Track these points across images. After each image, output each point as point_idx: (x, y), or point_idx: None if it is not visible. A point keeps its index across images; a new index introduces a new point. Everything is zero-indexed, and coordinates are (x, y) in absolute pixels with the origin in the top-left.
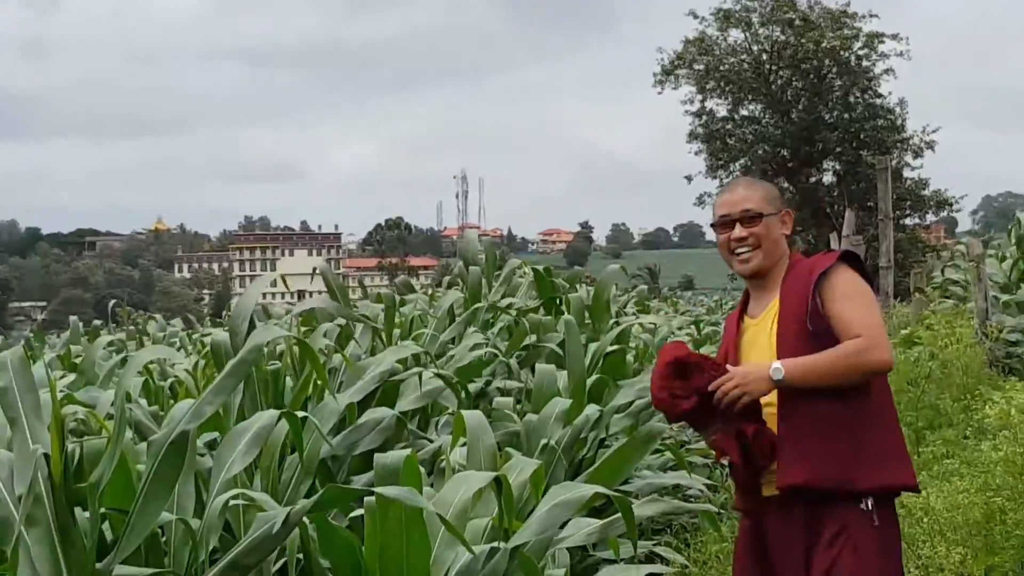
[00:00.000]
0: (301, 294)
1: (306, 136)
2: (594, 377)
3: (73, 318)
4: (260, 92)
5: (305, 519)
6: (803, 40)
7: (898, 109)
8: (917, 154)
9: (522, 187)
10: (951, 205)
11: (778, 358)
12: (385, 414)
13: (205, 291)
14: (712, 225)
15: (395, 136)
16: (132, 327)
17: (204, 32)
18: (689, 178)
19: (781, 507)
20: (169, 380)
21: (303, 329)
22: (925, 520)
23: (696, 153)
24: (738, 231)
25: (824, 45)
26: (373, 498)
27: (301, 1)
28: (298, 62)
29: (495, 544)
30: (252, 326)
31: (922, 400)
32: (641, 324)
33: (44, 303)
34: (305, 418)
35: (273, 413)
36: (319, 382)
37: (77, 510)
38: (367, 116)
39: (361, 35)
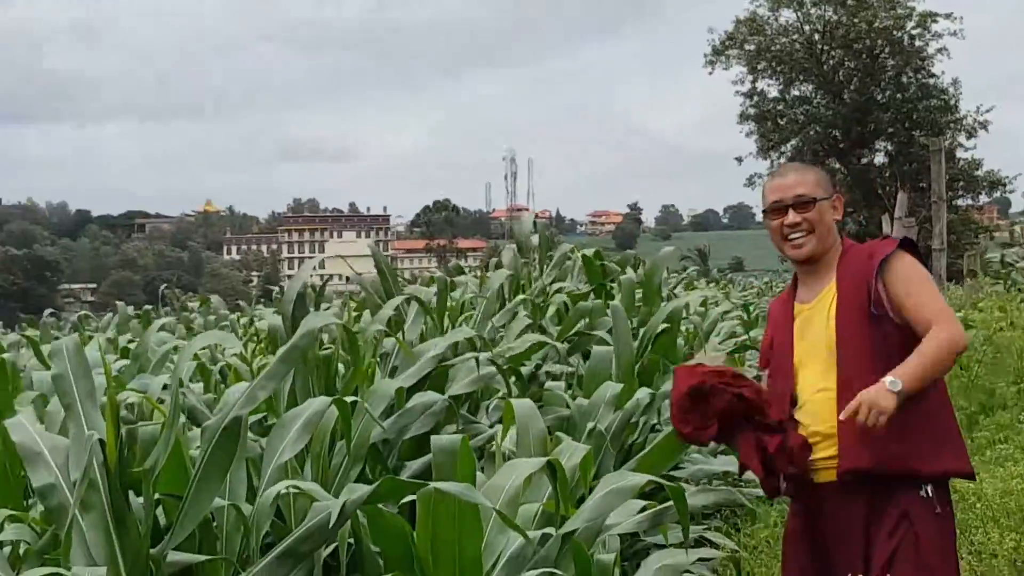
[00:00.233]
0: (349, 277)
1: (356, 118)
2: (645, 360)
3: (122, 304)
4: (311, 74)
5: None
6: (855, 19)
7: (951, 89)
8: (971, 134)
9: (571, 168)
10: (1004, 185)
11: (838, 343)
12: (435, 398)
13: (254, 273)
14: (763, 211)
15: (445, 117)
16: (183, 311)
17: (257, 14)
18: (740, 159)
19: (840, 494)
20: (219, 364)
21: (354, 313)
22: (978, 506)
23: (747, 134)
24: (791, 217)
25: (877, 24)
26: (427, 488)
27: None
28: (351, 44)
29: (547, 531)
30: (301, 308)
31: (975, 384)
32: (695, 304)
33: (94, 285)
34: (355, 404)
35: (324, 400)
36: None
37: (131, 495)
38: (417, 98)
39: (413, 17)
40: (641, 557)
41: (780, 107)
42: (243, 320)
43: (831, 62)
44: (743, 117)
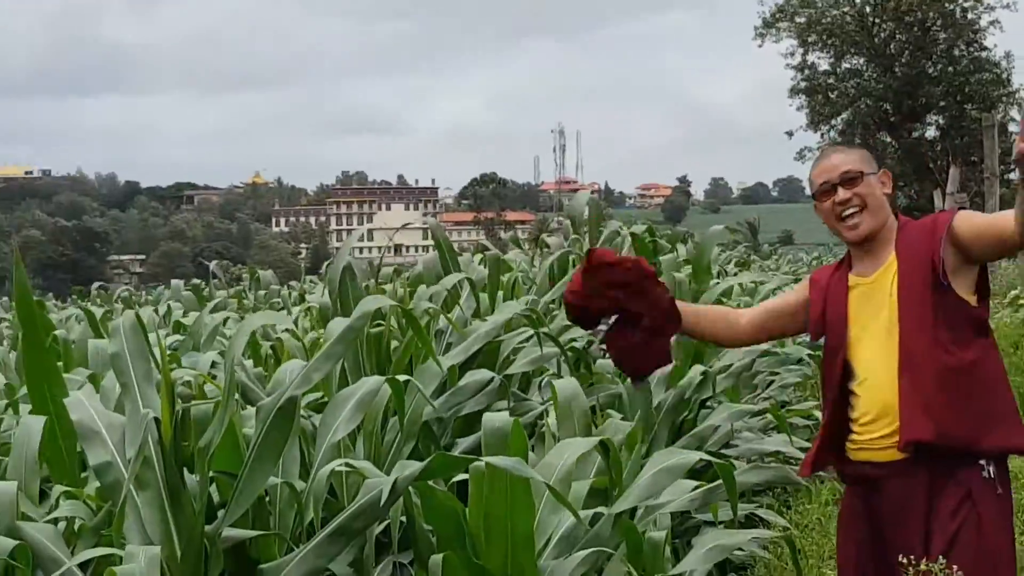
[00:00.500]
0: (399, 248)
1: (405, 90)
2: None
3: (176, 282)
4: (359, 46)
5: None
6: None
7: (1004, 63)
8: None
9: (620, 141)
10: None
11: (900, 317)
12: (487, 376)
13: (302, 245)
14: (813, 196)
15: (494, 90)
16: (233, 284)
17: None
18: (790, 133)
19: (899, 474)
20: (270, 342)
21: (408, 289)
22: None
23: (798, 108)
24: (841, 194)
25: None
26: (478, 464)
27: None
28: (399, 16)
29: (599, 510)
30: (350, 282)
31: None
32: (741, 284)
33: (142, 256)
34: (407, 382)
35: (378, 379)
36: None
37: (185, 472)
38: (466, 70)
39: None
40: (692, 534)
41: (831, 80)
42: (294, 295)
43: (882, 35)
44: (794, 91)
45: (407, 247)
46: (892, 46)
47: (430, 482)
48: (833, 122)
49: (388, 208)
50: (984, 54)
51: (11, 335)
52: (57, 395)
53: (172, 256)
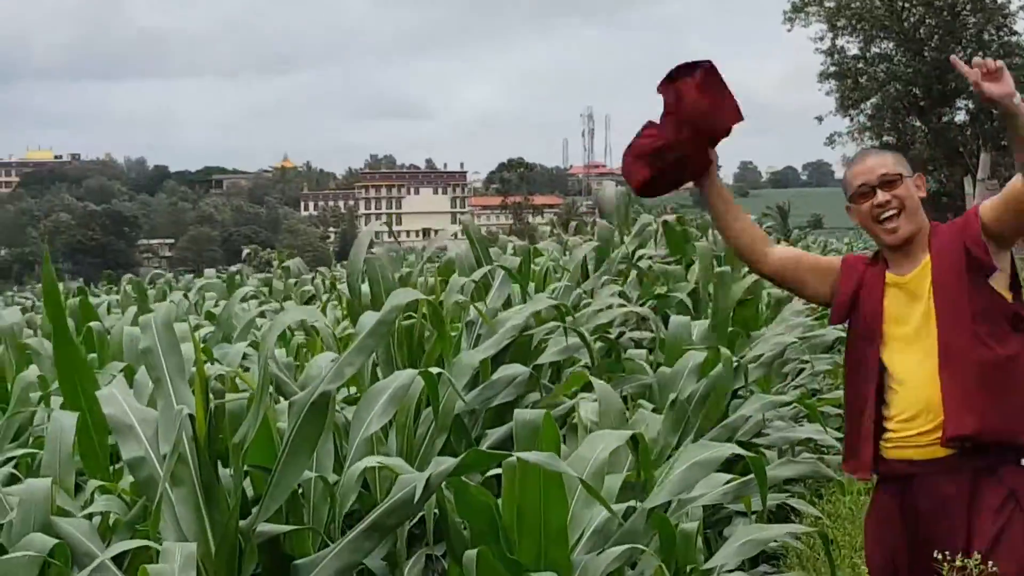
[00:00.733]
0: (427, 232)
1: (434, 73)
2: (729, 330)
3: (211, 272)
4: (388, 30)
5: None
6: None
7: None
8: None
9: None
10: None
11: (937, 312)
12: (519, 371)
13: (331, 229)
14: (850, 199)
15: (522, 74)
16: (263, 270)
17: None
18: (820, 118)
19: (941, 472)
20: (301, 332)
21: (440, 279)
22: None
23: (827, 93)
24: (880, 196)
25: None
26: (511, 459)
27: None
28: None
29: (632, 503)
30: (377, 277)
31: None
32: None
33: (171, 240)
34: (440, 375)
35: (411, 373)
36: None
37: (219, 465)
38: (494, 54)
39: None
40: (723, 525)
41: (860, 65)
42: (326, 282)
43: (911, 19)
44: (823, 76)
45: (435, 231)
46: (921, 30)
47: (463, 476)
48: (862, 106)
49: (417, 192)
50: (1014, 38)
51: (44, 323)
52: (88, 389)
53: (201, 240)
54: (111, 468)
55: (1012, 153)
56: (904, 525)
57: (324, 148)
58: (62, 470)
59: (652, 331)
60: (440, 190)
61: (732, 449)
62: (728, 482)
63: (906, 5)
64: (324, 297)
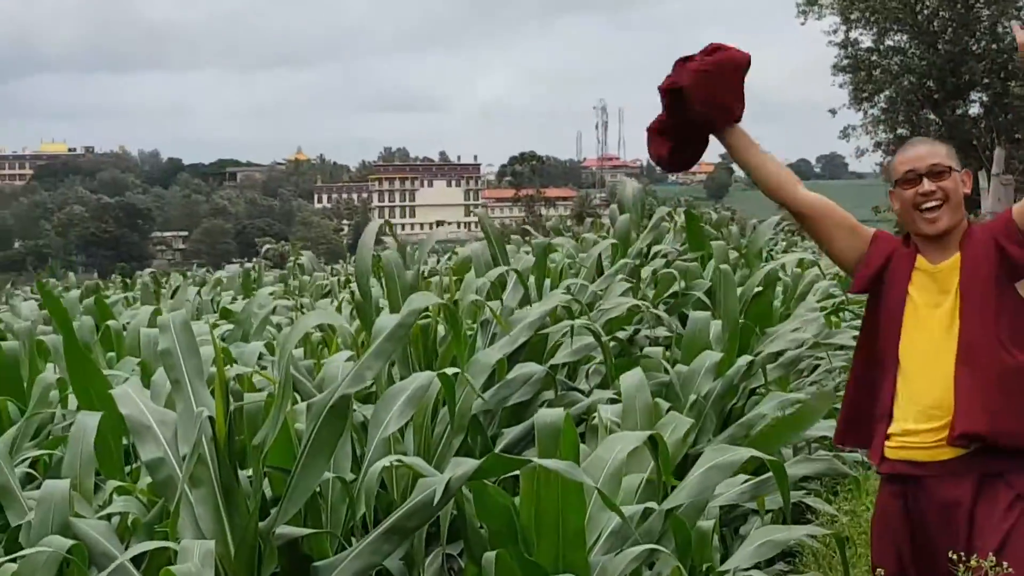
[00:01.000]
0: (439, 223)
1: (447, 66)
2: (741, 323)
3: (233, 267)
4: (402, 22)
5: None
6: None
7: None
8: None
9: None
10: None
11: (962, 309)
12: (535, 369)
13: (345, 222)
14: (895, 183)
15: (536, 66)
16: (278, 267)
17: None
18: (833, 111)
19: (948, 474)
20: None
21: (455, 279)
22: None
23: (840, 86)
24: (926, 185)
25: None
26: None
27: None
28: None
29: (649, 505)
30: (394, 275)
31: None
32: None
33: (185, 233)
34: (457, 375)
35: (429, 374)
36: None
37: (238, 467)
38: (508, 46)
39: None
40: (739, 523)
41: (874, 57)
42: (340, 279)
43: (925, 12)
44: (837, 69)
45: (448, 223)
46: (935, 23)
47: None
48: (876, 99)
49: (430, 185)
50: None
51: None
52: (101, 391)
53: (214, 233)
54: (127, 468)
55: None
56: (908, 527)
57: (337, 141)
58: (82, 471)
59: (668, 329)
60: (454, 182)
61: (751, 452)
62: (745, 482)
63: None
64: (340, 295)
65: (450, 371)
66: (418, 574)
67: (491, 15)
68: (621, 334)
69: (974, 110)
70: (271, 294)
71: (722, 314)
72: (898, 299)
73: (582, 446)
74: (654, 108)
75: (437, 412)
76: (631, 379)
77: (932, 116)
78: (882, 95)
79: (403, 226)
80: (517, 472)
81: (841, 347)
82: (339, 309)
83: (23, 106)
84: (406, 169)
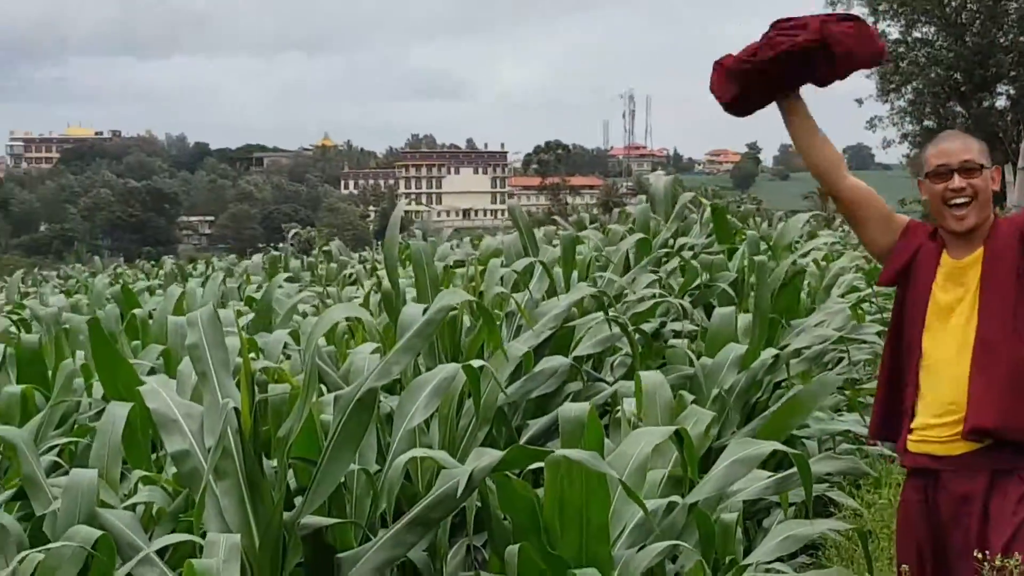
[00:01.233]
0: (467, 212)
1: (475, 53)
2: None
3: (258, 257)
4: (430, 9)
5: None
6: None
7: None
8: None
9: (689, 106)
10: None
11: (981, 304)
12: (561, 362)
13: (371, 208)
14: (925, 175)
15: (565, 54)
16: (305, 253)
17: None
18: (860, 101)
19: (961, 469)
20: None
21: (480, 268)
22: None
23: (867, 76)
24: (957, 181)
25: None
26: (555, 455)
27: None
28: None
29: (673, 499)
30: (423, 263)
31: None
32: (816, 262)
33: (211, 217)
34: (483, 368)
35: (454, 366)
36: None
37: (263, 457)
38: (537, 34)
39: None
40: (762, 516)
41: (901, 49)
42: (367, 266)
43: (953, 3)
44: None
45: (476, 211)
46: (963, 15)
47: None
48: (903, 91)
49: (457, 172)
50: None
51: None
52: (130, 383)
53: (240, 218)
54: (153, 457)
55: None
56: (928, 522)
57: (365, 127)
58: (109, 461)
59: (693, 321)
60: (480, 170)
61: (774, 445)
62: (769, 476)
63: None
64: (366, 283)
65: (476, 363)
66: (442, 565)
67: (519, 2)
68: (646, 326)
69: (1000, 103)
70: (288, 280)
71: (752, 306)
72: (922, 295)
73: (608, 442)
74: (682, 98)
75: (463, 404)
76: (651, 376)
77: (959, 108)
78: (909, 86)
79: (429, 212)
80: (541, 464)
81: (864, 341)
82: (367, 299)
83: (51, 90)
84: (433, 156)
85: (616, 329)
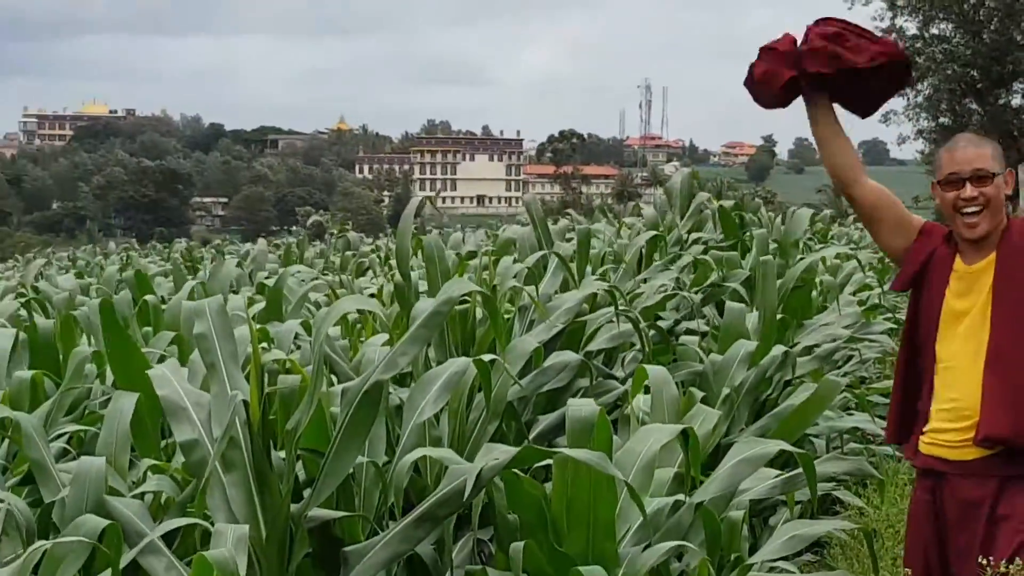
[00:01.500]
0: (481, 199)
1: (493, 39)
2: (780, 317)
3: (262, 242)
4: None
5: None
6: None
7: None
8: None
9: (706, 97)
10: None
11: (993, 312)
12: (572, 358)
13: (385, 193)
14: (937, 181)
15: (582, 42)
16: (318, 238)
17: None
18: None
19: (971, 475)
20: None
21: (492, 259)
22: None
23: None
24: (969, 191)
25: None
26: (563, 454)
27: None
28: None
29: (679, 497)
30: (435, 257)
31: None
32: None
33: (225, 199)
34: (493, 361)
35: (465, 360)
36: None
37: (271, 448)
38: (554, 21)
39: None
40: (768, 513)
41: (918, 45)
42: (381, 256)
43: (971, 0)
44: None
45: (490, 198)
46: (981, 12)
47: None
48: (920, 87)
49: (472, 159)
50: None
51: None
52: (141, 370)
53: (254, 200)
54: (163, 444)
55: None
56: (935, 523)
57: (380, 112)
58: (118, 449)
59: (704, 318)
60: (496, 157)
61: (780, 445)
62: (775, 476)
63: None
64: (379, 273)
65: (487, 357)
66: (448, 559)
67: None
68: (660, 323)
69: (1016, 100)
70: (302, 269)
71: (760, 305)
72: (936, 300)
73: (616, 439)
74: (698, 89)
75: (473, 397)
76: (657, 373)
77: (974, 106)
78: (926, 82)
79: (444, 199)
80: (549, 462)
81: (873, 341)
82: (381, 290)
83: (66, 66)
84: (448, 142)
85: (628, 325)
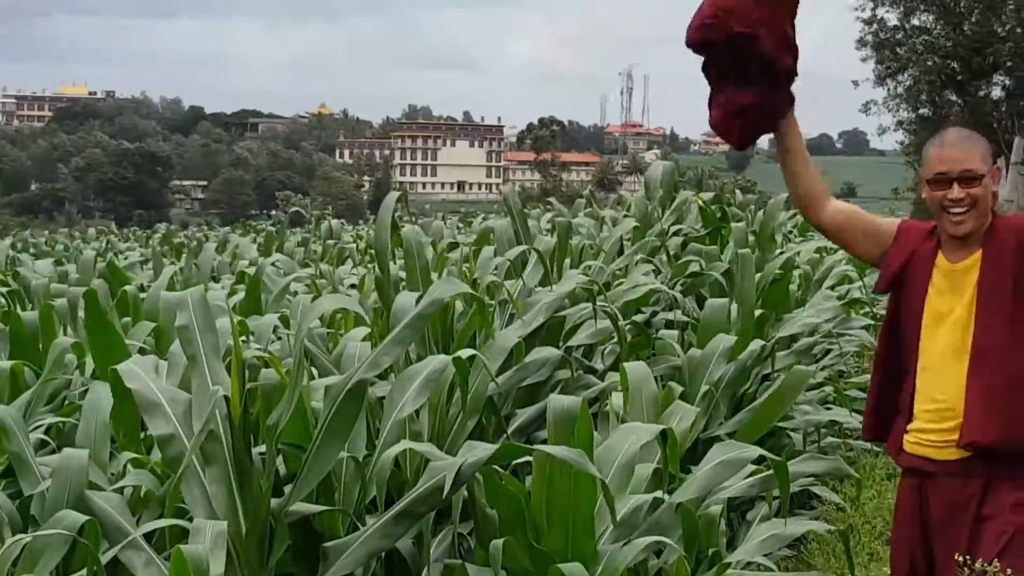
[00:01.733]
0: (462, 185)
1: (476, 26)
2: (758, 312)
3: (246, 240)
4: None
5: None
6: None
7: None
8: None
9: (687, 86)
10: None
11: (978, 311)
12: (552, 353)
13: (365, 178)
14: (926, 179)
15: (565, 30)
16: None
17: None
18: (856, 83)
19: (956, 475)
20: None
21: (472, 249)
22: None
23: (863, 60)
24: (956, 192)
25: None
26: (543, 450)
27: None
28: None
29: (658, 495)
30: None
31: None
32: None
33: (204, 182)
34: (473, 357)
35: (445, 358)
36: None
37: (251, 443)
38: (540, 9)
39: None
40: (746, 508)
41: (899, 36)
42: (360, 246)
43: None
44: (861, 43)
45: (470, 184)
46: (962, 4)
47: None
48: (900, 78)
49: (453, 144)
50: None
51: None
52: (124, 359)
53: (234, 183)
54: (143, 435)
55: None
56: (920, 523)
57: (361, 96)
58: (97, 442)
59: (684, 312)
60: (476, 143)
61: (760, 452)
62: (752, 474)
63: None
64: (359, 262)
65: (466, 354)
66: (427, 553)
67: None
68: (639, 316)
69: (996, 92)
70: (282, 259)
71: (738, 299)
72: (919, 298)
73: (596, 435)
74: (680, 78)
75: (453, 392)
76: (636, 370)
77: (954, 97)
78: (905, 73)
79: (424, 185)
80: (529, 459)
81: (852, 336)
82: (363, 281)
83: (45, 46)
84: (429, 128)
85: (606, 319)
